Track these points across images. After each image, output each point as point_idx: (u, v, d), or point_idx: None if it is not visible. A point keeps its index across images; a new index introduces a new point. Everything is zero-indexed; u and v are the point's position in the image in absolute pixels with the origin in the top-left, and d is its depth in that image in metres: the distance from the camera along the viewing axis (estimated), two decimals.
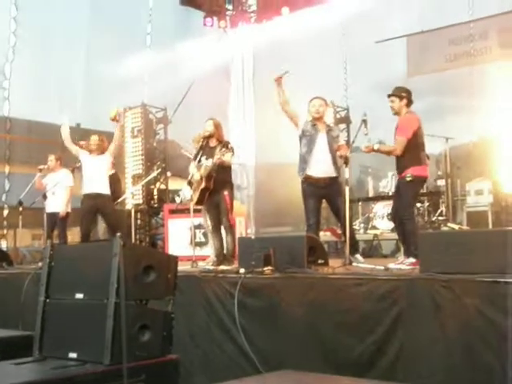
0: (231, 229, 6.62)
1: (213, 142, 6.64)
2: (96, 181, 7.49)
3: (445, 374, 3.77)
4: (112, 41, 12.46)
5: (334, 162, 6.05)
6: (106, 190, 7.56)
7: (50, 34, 12.00)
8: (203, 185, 6.42)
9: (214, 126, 6.64)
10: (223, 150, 6.31)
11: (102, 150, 7.71)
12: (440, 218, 8.89)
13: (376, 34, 11.71)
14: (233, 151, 6.54)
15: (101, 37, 12.52)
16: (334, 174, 6.04)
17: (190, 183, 6.66)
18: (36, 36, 11.76)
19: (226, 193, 6.48)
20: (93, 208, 7.48)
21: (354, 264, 5.49)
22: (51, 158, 8.62)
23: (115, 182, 8.52)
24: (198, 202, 6.57)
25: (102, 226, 8.34)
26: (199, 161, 6.58)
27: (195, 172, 6.53)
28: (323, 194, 6.01)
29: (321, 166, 5.84)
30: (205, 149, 6.61)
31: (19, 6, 10.95)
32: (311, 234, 5.94)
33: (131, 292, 3.51)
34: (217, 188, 6.45)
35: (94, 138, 7.83)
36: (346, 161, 5.62)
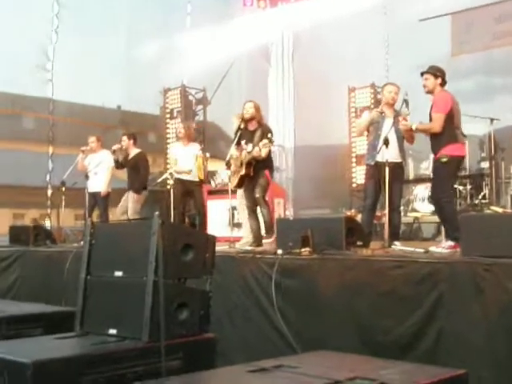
0: (265, 202, 6.60)
1: (252, 125, 6.61)
2: None
3: (486, 358, 3.71)
4: (152, 22, 12.52)
5: (401, 148, 6.02)
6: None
7: (91, 16, 12.14)
8: (243, 171, 6.44)
9: (254, 108, 6.61)
10: (265, 142, 6.27)
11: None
12: (483, 200, 8.67)
13: (419, 12, 11.42)
14: (271, 140, 6.49)
15: (141, 18, 12.60)
16: (398, 160, 5.99)
17: (227, 164, 6.68)
18: (78, 18, 11.90)
19: (265, 171, 6.49)
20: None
21: (394, 247, 5.43)
22: (92, 140, 8.76)
23: (142, 160, 8.64)
24: (238, 186, 6.60)
25: (125, 206, 8.47)
26: (238, 143, 6.58)
27: (234, 155, 6.55)
28: (385, 177, 5.88)
29: (387, 151, 5.71)
30: (244, 132, 6.60)
31: None
32: (366, 214, 5.93)
33: (169, 270, 3.55)
34: (256, 171, 6.46)
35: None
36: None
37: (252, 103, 6.68)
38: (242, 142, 6.57)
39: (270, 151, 6.63)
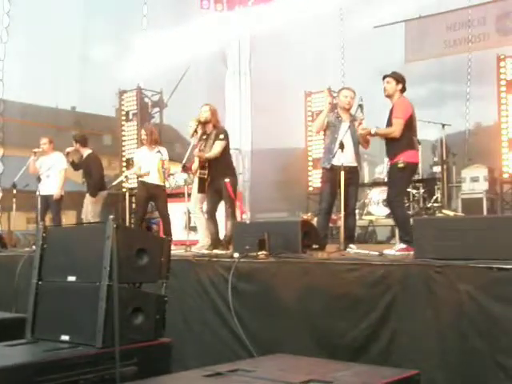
0: (234, 217, 6.60)
1: (209, 128, 6.62)
2: None
3: (438, 359, 3.78)
4: (108, 22, 12.36)
5: (356, 152, 6.09)
6: None
7: (44, 16, 11.89)
8: (197, 174, 6.43)
9: (210, 111, 6.60)
10: (209, 144, 6.29)
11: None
12: (435, 204, 8.89)
13: (374, 19, 11.63)
14: (225, 138, 6.49)
15: (97, 19, 12.41)
16: (354, 164, 6.05)
17: (184, 168, 6.64)
18: (30, 17, 11.63)
19: (227, 180, 6.46)
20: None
21: (349, 250, 5.50)
22: (44, 141, 8.57)
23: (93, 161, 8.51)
24: (200, 191, 6.58)
25: (87, 209, 8.34)
26: (199, 147, 6.57)
27: (196, 159, 6.55)
28: (340, 181, 5.93)
29: (343, 155, 5.75)
30: (202, 135, 6.59)
31: None
32: (322, 217, 5.98)
33: (124, 275, 3.49)
34: (217, 175, 6.44)
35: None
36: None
37: (208, 107, 6.68)
38: (202, 145, 6.56)
39: (227, 156, 6.61)
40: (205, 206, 6.77)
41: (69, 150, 8.47)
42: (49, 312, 3.74)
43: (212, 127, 6.61)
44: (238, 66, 14.28)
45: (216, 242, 6.51)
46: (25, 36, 11.39)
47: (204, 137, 6.62)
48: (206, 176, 6.42)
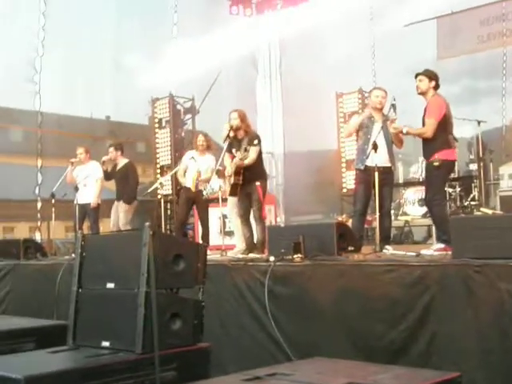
0: (261, 219, 6.61)
1: (240, 134, 6.62)
2: None
3: (479, 360, 3.72)
4: (139, 32, 12.54)
5: (390, 153, 6.03)
6: None
7: (78, 28, 12.14)
8: (232, 180, 6.45)
9: (239, 117, 6.61)
10: (245, 152, 6.31)
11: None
12: (472, 202, 8.73)
13: (405, 17, 11.52)
14: (259, 143, 6.50)
15: (128, 29, 12.62)
16: (388, 164, 6.00)
17: (217, 173, 6.68)
18: (65, 30, 11.90)
19: (258, 183, 6.48)
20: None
21: (385, 251, 5.45)
22: (80, 151, 8.75)
23: (131, 170, 8.64)
24: (230, 194, 6.61)
25: (116, 217, 8.46)
26: (230, 151, 6.60)
27: (227, 164, 6.57)
28: (374, 182, 5.90)
29: (376, 156, 5.68)
30: (234, 141, 6.62)
31: (48, 1, 11.07)
32: (357, 219, 5.96)
33: (161, 281, 3.54)
34: (248, 179, 6.46)
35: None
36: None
37: (236, 113, 6.65)
38: (233, 151, 6.58)
39: (260, 160, 6.63)
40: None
41: (105, 158, 8.62)
42: (89, 319, 3.81)
43: (243, 132, 6.62)
44: (268, 70, 14.32)
45: (251, 246, 6.52)
46: (59, 48, 11.65)
47: (235, 143, 6.63)
48: (240, 182, 6.44)
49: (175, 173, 8.29)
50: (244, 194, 6.55)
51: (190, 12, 12.84)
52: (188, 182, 7.77)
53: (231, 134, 6.60)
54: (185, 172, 7.87)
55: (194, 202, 7.87)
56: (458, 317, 3.86)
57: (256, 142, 6.48)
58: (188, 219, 8.51)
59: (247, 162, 6.39)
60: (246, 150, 6.38)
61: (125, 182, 8.56)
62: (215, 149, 8.43)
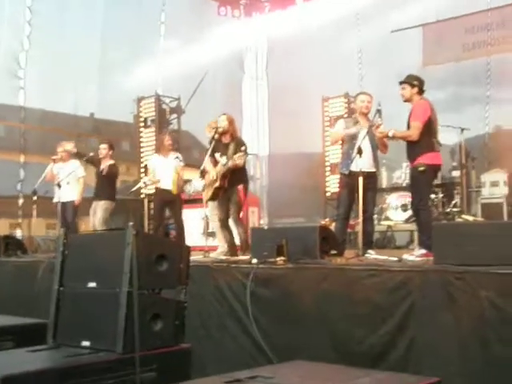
0: (240, 221, 6.64)
1: (226, 138, 6.62)
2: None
3: (458, 366, 3.75)
4: (126, 30, 12.46)
5: (375, 158, 6.07)
6: None
7: (65, 24, 12.02)
8: (217, 184, 6.45)
9: (227, 121, 6.61)
10: (240, 154, 6.32)
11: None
12: (454, 209, 8.82)
13: (391, 24, 11.60)
14: (246, 152, 6.53)
15: (115, 26, 12.53)
16: (372, 169, 6.03)
17: (201, 174, 6.67)
18: (51, 25, 11.78)
19: (239, 187, 6.49)
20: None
21: (367, 255, 5.48)
22: (60, 149, 8.69)
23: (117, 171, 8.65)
24: (212, 199, 6.60)
25: (96, 217, 8.43)
26: (212, 155, 6.59)
27: (210, 168, 6.55)
28: (358, 186, 5.89)
29: (361, 160, 5.70)
30: (218, 144, 6.61)
31: None
32: (340, 222, 5.97)
33: (144, 281, 3.52)
34: (231, 183, 6.47)
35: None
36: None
37: (225, 116, 6.69)
38: (217, 155, 6.57)
39: (245, 164, 6.64)
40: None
41: (99, 155, 8.59)
42: (70, 318, 3.78)
43: (230, 137, 6.61)
44: (254, 71, 14.34)
45: (233, 250, 6.53)
46: (45, 44, 11.53)
47: (219, 146, 6.62)
48: (226, 185, 6.45)
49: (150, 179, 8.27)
50: (226, 198, 6.56)
51: (177, 11, 12.80)
52: (163, 184, 7.74)
53: (216, 137, 6.60)
54: (154, 176, 7.90)
55: (168, 203, 7.86)
56: (439, 323, 3.88)
57: (243, 148, 6.48)
58: (164, 220, 8.50)
59: (237, 163, 6.36)
60: (233, 158, 6.39)
61: (107, 184, 8.53)
62: (197, 148, 8.44)
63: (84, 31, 12.49)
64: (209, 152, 6.66)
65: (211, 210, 6.90)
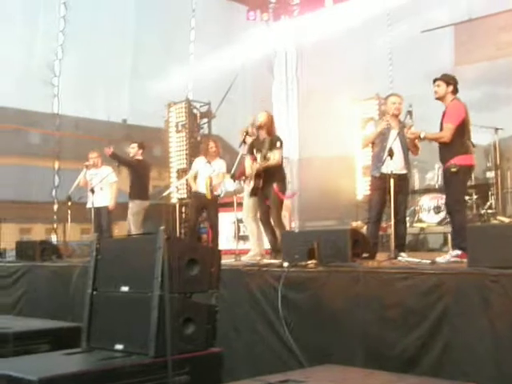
0: (280, 223, 6.60)
1: (262, 135, 6.63)
2: None
3: (493, 371, 3.67)
4: (157, 36, 12.61)
5: (406, 160, 6.02)
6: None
7: (97, 33, 12.24)
8: (252, 183, 6.47)
9: (266, 117, 6.64)
10: (273, 151, 6.32)
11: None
12: (489, 210, 8.65)
13: (422, 24, 11.47)
14: (281, 147, 6.52)
15: (147, 33, 12.70)
16: (403, 171, 5.98)
17: (232, 177, 6.70)
18: (84, 34, 12.00)
19: (274, 185, 6.48)
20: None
21: (400, 258, 5.42)
22: (95, 155, 8.84)
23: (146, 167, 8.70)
24: (251, 195, 6.62)
25: (130, 220, 8.53)
26: (252, 153, 6.62)
27: (248, 166, 6.59)
28: (390, 188, 5.76)
29: (392, 162, 5.62)
30: (256, 141, 6.64)
31: (68, 5, 11.20)
32: (372, 225, 5.95)
33: (175, 285, 3.56)
34: (267, 181, 6.47)
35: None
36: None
37: (265, 112, 6.74)
38: (255, 152, 6.60)
39: (280, 163, 6.63)
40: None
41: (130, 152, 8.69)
42: (103, 321, 3.83)
43: (266, 133, 6.62)
44: (284, 75, 14.34)
45: (276, 249, 6.51)
46: (78, 52, 11.76)
47: (257, 144, 6.64)
48: (260, 185, 6.46)
49: (187, 179, 8.36)
50: (264, 198, 6.56)
51: (207, 17, 12.90)
52: (200, 187, 7.81)
53: (247, 140, 6.62)
54: (195, 178, 7.93)
55: (205, 207, 7.91)
56: (473, 327, 3.82)
57: (279, 144, 6.50)
58: (198, 224, 8.56)
59: (271, 163, 6.39)
60: (265, 157, 6.40)
61: (136, 179, 8.65)
62: (228, 152, 8.49)
63: (115, 39, 12.69)
64: (240, 153, 6.68)
65: (245, 212, 6.90)
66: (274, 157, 6.41)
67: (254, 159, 6.58)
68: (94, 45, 12.29)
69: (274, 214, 6.55)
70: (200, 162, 8.10)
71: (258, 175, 6.43)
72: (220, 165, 7.89)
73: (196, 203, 7.93)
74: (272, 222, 6.59)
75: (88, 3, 12.05)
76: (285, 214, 9.68)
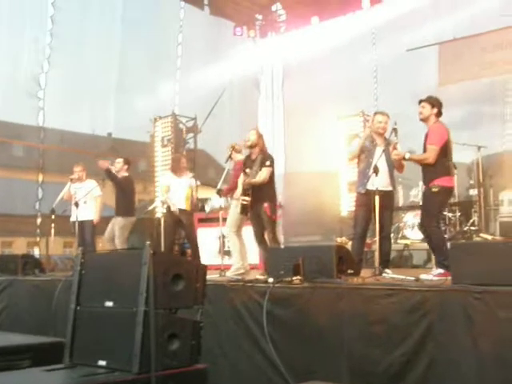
0: (276, 241, 6.61)
1: (255, 153, 6.65)
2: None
3: None
4: (144, 51, 12.65)
5: (391, 177, 6.07)
6: None
7: (83, 46, 12.25)
8: (240, 201, 6.48)
9: (256, 135, 6.66)
10: (262, 169, 6.35)
11: None
12: (472, 228, 8.72)
13: (407, 42, 11.63)
14: (271, 165, 6.53)
15: (133, 47, 12.73)
16: (389, 188, 6.02)
17: (218, 193, 6.69)
18: (70, 48, 12.01)
19: (265, 205, 6.49)
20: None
21: (384, 275, 5.43)
22: (80, 169, 8.78)
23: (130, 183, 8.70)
24: (241, 213, 6.62)
25: (112, 232, 8.48)
26: (244, 171, 6.63)
27: (240, 183, 6.62)
28: (375, 205, 5.76)
29: (377, 179, 5.66)
30: (248, 160, 6.66)
31: (55, 19, 11.21)
32: (357, 241, 5.96)
33: (160, 301, 3.53)
34: (257, 199, 6.47)
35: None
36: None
37: (255, 131, 6.75)
38: (247, 171, 6.61)
39: (271, 181, 6.62)
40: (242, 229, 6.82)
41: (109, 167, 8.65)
42: (86, 337, 3.79)
43: (258, 151, 6.64)
44: (270, 91, 14.42)
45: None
46: (64, 65, 11.75)
47: (248, 162, 6.66)
48: (248, 203, 6.45)
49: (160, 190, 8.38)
50: (255, 216, 6.56)
51: (194, 32, 12.97)
52: (179, 203, 7.77)
53: (233, 156, 6.64)
54: (166, 192, 7.94)
55: (179, 222, 7.87)
56: (457, 344, 3.84)
57: (268, 162, 6.52)
58: (175, 239, 8.52)
59: (255, 181, 6.41)
60: (256, 172, 6.42)
61: (123, 199, 8.59)
62: (213, 167, 8.51)
63: (102, 52, 12.71)
64: (226, 168, 6.68)
65: (229, 227, 6.89)
66: (261, 174, 6.42)
67: (247, 178, 6.60)
68: (79, 58, 12.30)
69: (268, 233, 6.56)
70: (169, 178, 8.13)
71: (245, 193, 6.44)
72: (191, 179, 7.97)
73: (171, 219, 7.91)
74: (268, 242, 6.61)
75: (74, 17, 12.06)
76: (276, 228, 9.70)
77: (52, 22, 11.17)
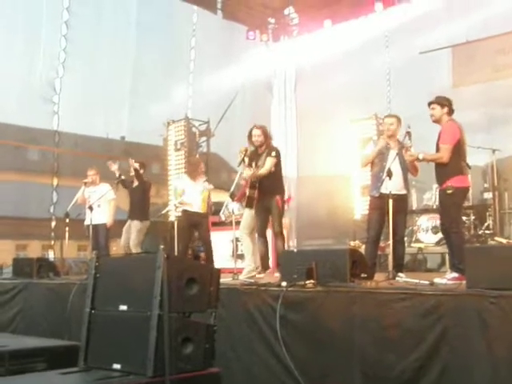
0: (282, 234, 6.60)
1: (262, 149, 6.70)
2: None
3: None
4: (157, 55, 12.71)
5: (405, 180, 6.05)
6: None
7: (98, 51, 12.33)
8: (248, 193, 6.48)
9: (262, 134, 6.68)
10: (261, 163, 6.35)
11: None
12: (487, 231, 8.66)
13: (420, 45, 11.58)
14: (276, 156, 6.54)
15: (147, 52, 12.80)
16: (402, 191, 6.00)
17: (231, 196, 6.71)
18: (85, 52, 12.09)
19: (277, 197, 6.49)
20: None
21: (398, 279, 5.41)
22: (92, 173, 8.85)
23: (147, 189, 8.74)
24: (246, 206, 6.61)
25: (126, 236, 8.52)
26: (251, 165, 6.66)
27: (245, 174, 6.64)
28: (388, 208, 5.72)
29: (391, 183, 5.63)
30: (255, 155, 6.69)
31: (70, 24, 11.31)
32: (370, 245, 5.94)
33: (174, 304, 3.55)
34: (267, 192, 6.47)
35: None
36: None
37: (259, 130, 6.73)
38: (253, 164, 6.63)
39: (279, 174, 6.64)
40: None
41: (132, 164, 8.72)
42: (101, 340, 3.81)
43: (265, 147, 6.68)
44: (283, 94, 14.43)
45: (265, 263, 6.50)
46: (78, 70, 11.83)
47: (255, 157, 6.67)
48: (255, 195, 6.45)
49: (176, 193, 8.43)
50: (262, 209, 6.55)
51: (207, 36, 13.02)
52: (195, 205, 7.82)
53: (246, 159, 6.65)
54: (181, 195, 7.98)
55: (195, 224, 7.91)
56: (472, 349, 3.81)
57: (274, 153, 6.53)
58: (190, 243, 8.56)
59: (260, 172, 6.41)
60: (263, 165, 6.44)
61: (138, 203, 8.64)
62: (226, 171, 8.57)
63: (116, 57, 12.78)
64: (239, 171, 6.73)
65: (242, 229, 6.88)
66: (266, 165, 6.44)
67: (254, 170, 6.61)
68: (94, 63, 12.37)
69: (277, 226, 6.55)
70: (185, 181, 8.18)
71: (252, 186, 6.44)
72: (204, 182, 8.06)
73: (187, 222, 7.94)
74: (273, 234, 6.57)
75: (89, 22, 12.15)
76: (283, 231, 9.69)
77: (67, 27, 11.27)
